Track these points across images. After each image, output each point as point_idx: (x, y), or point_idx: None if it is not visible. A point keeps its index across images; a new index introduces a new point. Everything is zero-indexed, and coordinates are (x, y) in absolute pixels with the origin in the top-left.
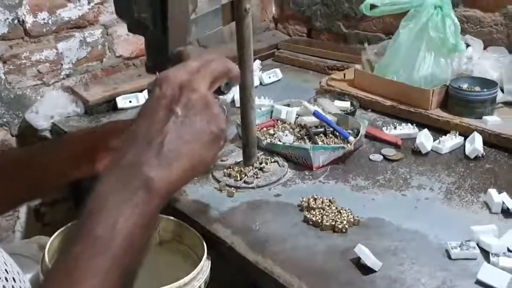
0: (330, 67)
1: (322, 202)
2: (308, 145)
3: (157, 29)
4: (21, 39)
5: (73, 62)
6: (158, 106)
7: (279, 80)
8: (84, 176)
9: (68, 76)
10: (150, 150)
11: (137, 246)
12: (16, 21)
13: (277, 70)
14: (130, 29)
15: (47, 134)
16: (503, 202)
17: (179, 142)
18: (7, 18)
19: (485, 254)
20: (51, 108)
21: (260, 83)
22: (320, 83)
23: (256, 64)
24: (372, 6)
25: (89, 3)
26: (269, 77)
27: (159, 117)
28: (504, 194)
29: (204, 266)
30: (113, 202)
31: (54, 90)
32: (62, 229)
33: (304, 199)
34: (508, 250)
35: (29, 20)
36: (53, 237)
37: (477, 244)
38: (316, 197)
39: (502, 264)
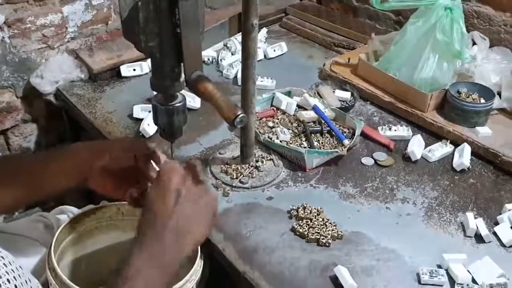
0: (336, 44)
1: (311, 212)
2: (303, 149)
3: (166, 57)
4: (25, 3)
5: (78, 25)
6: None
7: (283, 53)
8: (78, 187)
9: (73, 39)
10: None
11: None
12: None
13: (283, 44)
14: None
15: (52, 98)
16: (477, 227)
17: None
18: None
19: (452, 282)
20: (55, 73)
21: (265, 56)
22: (324, 65)
23: (262, 33)
24: (383, 0)
25: None
26: (274, 50)
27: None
28: (480, 220)
29: (198, 266)
30: (147, 275)
31: (59, 54)
32: (69, 219)
33: (294, 207)
34: (472, 281)
35: None
36: (59, 231)
37: (447, 271)
38: (305, 205)
39: None
